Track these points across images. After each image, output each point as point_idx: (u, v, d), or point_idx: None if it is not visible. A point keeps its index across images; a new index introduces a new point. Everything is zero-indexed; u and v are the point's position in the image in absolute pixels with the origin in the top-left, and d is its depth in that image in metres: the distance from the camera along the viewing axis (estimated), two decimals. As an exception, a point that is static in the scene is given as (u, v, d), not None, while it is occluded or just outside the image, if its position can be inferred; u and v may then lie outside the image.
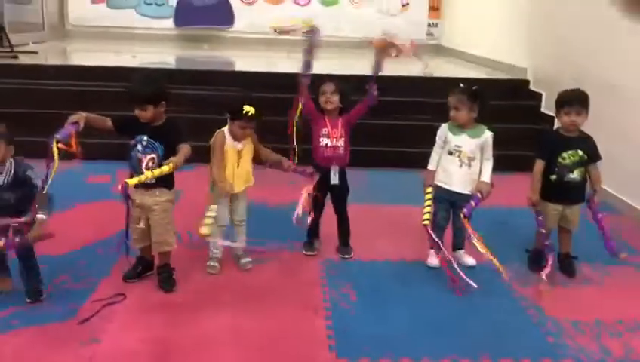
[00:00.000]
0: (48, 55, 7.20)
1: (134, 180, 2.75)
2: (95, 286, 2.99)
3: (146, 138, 2.88)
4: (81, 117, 2.79)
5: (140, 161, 2.89)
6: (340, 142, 3.35)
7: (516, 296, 3.13)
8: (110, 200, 4.03)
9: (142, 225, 2.94)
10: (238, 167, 3.13)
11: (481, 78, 6.44)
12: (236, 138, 3.10)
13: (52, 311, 2.76)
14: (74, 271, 3.15)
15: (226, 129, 3.13)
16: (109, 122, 2.95)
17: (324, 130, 3.33)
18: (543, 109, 5.90)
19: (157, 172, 2.77)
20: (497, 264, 3.07)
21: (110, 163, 4.78)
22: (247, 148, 3.16)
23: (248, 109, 3.00)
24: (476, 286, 3.04)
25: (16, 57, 6.39)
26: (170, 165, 2.77)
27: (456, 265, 3.15)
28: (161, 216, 2.95)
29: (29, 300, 2.82)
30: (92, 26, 9.03)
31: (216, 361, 2.48)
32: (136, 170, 2.90)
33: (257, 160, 3.25)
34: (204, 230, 2.87)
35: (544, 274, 3.20)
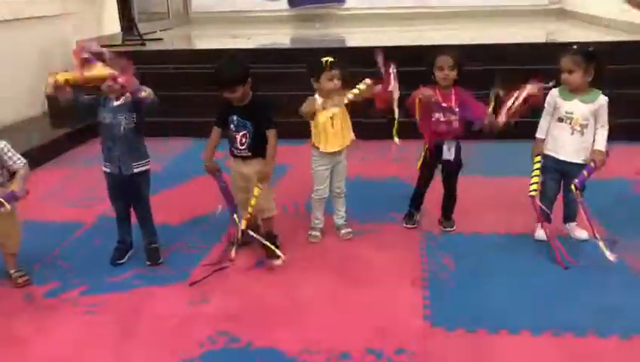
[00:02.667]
0: (173, 41, 7.69)
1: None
2: (206, 252, 3.22)
3: (236, 118, 3.04)
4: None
5: (234, 138, 3.06)
6: (454, 116, 3.21)
7: (632, 272, 2.92)
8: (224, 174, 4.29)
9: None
10: (332, 126, 3.14)
11: (606, 41, 5.94)
12: (328, 96, 3.12)
13: (168, 273, 3.02)
14: (189, 239, 3.40)
15: (316, 95, 3.17)
16: (215, 134, 3.15)
17: (437, 104, 3.19)
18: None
19: (253, 202, 3.02)
20: (603, 246, 2.88)
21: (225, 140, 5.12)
22: (339, 110, 3.14)
23: (327, 58, 3.06)
24: (578, 263, 2.89)
25: (144, 45, 6.91)
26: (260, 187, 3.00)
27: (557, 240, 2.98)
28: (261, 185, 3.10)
29: (149, 263, 3.10)
30: (212, 12, 9.51)
31: (315, 323, 2.58)
32: (232, 146, 3.09)
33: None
34: None
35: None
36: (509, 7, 8.90)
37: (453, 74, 3.14)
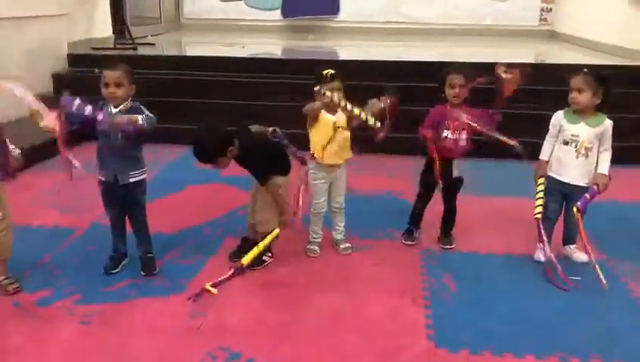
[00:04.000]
0: (164, 46, 7.62)
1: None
2: (203, 264, 3.15)
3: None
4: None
5: None
6: (463, 135, 3.18)
7: (632, 295, 2.92)
8: (218, 183, 4.23)
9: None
10: (333, 138, 3.11)
11: (600, 65, 6.02)
12: (328, 108, 3.10)
13: (164, 285, 2.94)
14: (184, 249, 3.33)
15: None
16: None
17: (446, 122, 3.18)
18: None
19: (266, 241, 3.06)
20: (599, 272, 2.91)
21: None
22: (341, 119, 3.12)
23: (327, 70, 3.06)
24: (575, 286, 2.92)
25: (135, 49, 6.84)
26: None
27: (555, 261, 3.00)
28: (264, 196, 3.07)
29: (144, 273, 3.02)
30: (205, 19, 9.47)
31: (315, 343, 2.52)
32: None
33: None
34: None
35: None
36: (499, 27, 9.02)
37: (465, 92, 3.13)
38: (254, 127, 3.13)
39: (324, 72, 3.07)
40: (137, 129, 2.75)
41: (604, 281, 2.90)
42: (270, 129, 3.05)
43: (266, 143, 3.06)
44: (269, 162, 3.03)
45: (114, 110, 2.82)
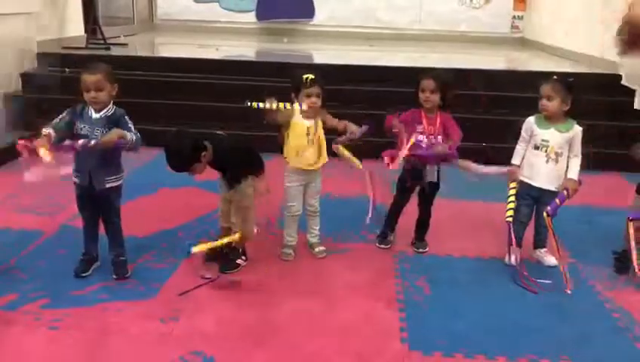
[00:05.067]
0: (137, 47, 7.53)
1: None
2: (176, 267, 3.11)
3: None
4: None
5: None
6: (438, 140, 3.18)
7: (601, 298, 2.98)
8: (191, 186, 4.18)
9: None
10: (307, 143, 3.11)
11: (570, 72, 6.15)
12: (306, 114, 3.09)
13: (136, 288, 2.89)
14: (156, 252, 3.28)
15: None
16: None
17: (419, 126, 3.19)
18: (636, 106, 5.56)
19: (224, 240, 3.06)
20: (567, 275, 2.98)
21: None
22: (317, 125, 3.12)
23: (307, 75, 3.04)
24: (545, 289, 2.98)
25: (108, 49, 6.73)
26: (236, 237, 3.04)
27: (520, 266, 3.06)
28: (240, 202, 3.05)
29: (115, 277, 2.97)
30: (178, 20, 9.38)
31: (290, 347, 2.51)
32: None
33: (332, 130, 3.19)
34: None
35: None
36: (472, 34, 9.14)
37: (435, 98, 3.15)
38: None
39: (305, 77, 3.05)
40: (127, 146, 2.71)
41: (569, 286, 2.97)
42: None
43: (238, 144, 3.09)
44: (242, 161, 3.01)
45: (95, 115, 2.76)
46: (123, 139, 2.70)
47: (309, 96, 3.06)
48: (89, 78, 2.74)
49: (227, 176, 3.05)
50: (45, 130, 2.65)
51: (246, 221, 3.05)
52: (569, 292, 2.96)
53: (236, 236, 3.03)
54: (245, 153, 3.10)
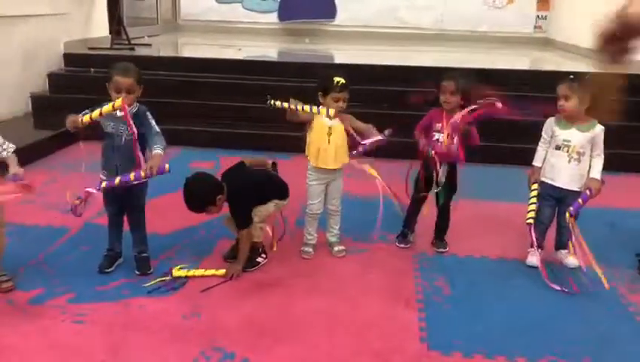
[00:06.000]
0: (161, 47, 7.63)
1: None
2: (198, 264, 3.15)
3: None
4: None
5: None
6: (455, 140, 3.17)
7: (624, 301, 2.95)
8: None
9: None
10: (329, 143, 3.12)
11: (594, 72, 6.06)
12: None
13: (158, 285, 2.94)
14: (178, 249, 3.33)
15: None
16: None
17: (438, 124, 3.20)
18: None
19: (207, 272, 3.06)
20: (599, 271, 2.90)
21: (214, 150, 5.07)
22: (337, 126, 3.12)
23: (338, 79, 3.04)
24: (568, 291, 2.95)
25: (132, 49, 6.83)
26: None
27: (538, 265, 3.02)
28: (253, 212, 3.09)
29: (138, 273, 3.02)
30: (201, 20, 9.48)
31: (310, 344, 2.53)
32: None
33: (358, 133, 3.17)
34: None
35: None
36: (495, 34, 9.08)
37: (455, 99, 3.14)
38: (249, 159, 3.24)
39: (336, 80, 3.05)
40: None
41: (604, 281, 2.86)
42: (270, 162, 3.20)
43: (254, 176, 3.16)
44: (250, 203, 3.05)
45: (119, 112, 2.80)
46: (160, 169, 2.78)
47: (337, 100, 3.07)
48: (123, 81, 2.79)
49: (234, 218, 3.09)
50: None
51: (239, 260, 3.07)
52: (607, 287, 2.87)
53: (220, 272, 3.03)
54: (263, 185, 3.13)
